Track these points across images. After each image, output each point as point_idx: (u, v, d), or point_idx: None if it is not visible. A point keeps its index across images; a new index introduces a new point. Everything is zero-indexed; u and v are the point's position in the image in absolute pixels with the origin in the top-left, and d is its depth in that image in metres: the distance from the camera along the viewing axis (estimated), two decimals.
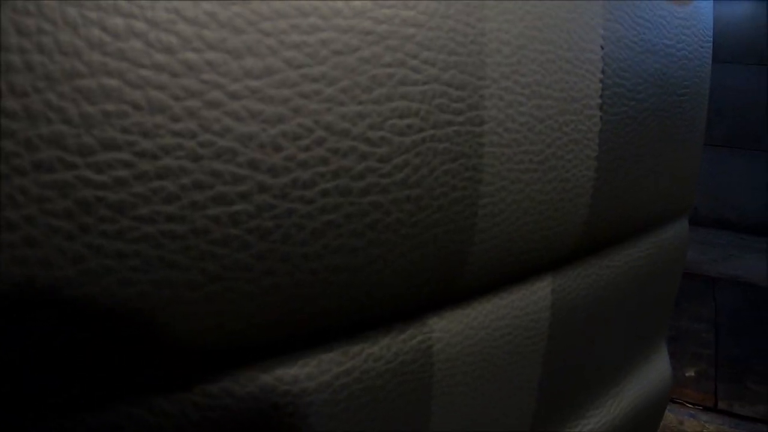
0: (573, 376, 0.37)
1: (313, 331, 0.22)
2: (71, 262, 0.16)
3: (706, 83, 0.39)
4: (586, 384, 0.39)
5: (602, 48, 0.29)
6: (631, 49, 0.31)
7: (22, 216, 0.15)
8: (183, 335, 0.19)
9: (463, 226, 0.25)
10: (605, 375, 0.41)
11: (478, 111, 0.24)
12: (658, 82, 0.34)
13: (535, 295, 0.31)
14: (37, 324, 0.16)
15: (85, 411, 0.18)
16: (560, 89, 0.27)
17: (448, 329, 0.27)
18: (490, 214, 0.26)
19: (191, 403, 0.20)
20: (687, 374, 1.33)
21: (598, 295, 0.36)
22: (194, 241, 0.18)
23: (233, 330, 0.20)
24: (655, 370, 0.47)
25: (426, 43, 0.22)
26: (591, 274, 0.35)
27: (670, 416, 1.20)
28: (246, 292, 0.19)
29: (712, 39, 0.40)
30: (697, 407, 1.25)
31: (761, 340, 1.38)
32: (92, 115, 0.15)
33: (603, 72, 0.29)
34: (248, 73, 0.18)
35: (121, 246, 0.16)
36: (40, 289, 0.16)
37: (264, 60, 0.18)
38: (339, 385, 0.23)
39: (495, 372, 0.29)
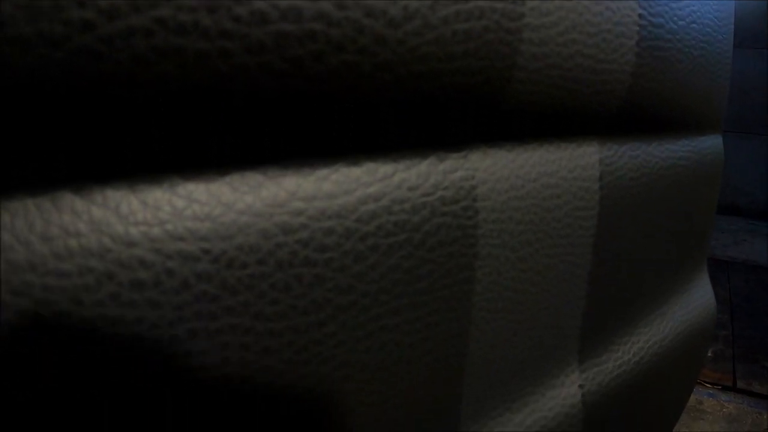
0: (622, 277, 0.32)
1: (329, 129, 0.18)
2: None
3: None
4: (634, 292, 0.34)
5: None
6: None
7: None
8: None
9: (509, 30, 0.20)
10: (651, 289, 0.36)
11: None
12: None
13: (583, 160, 0.27)
14: None
15: None
16: None
17: (493, 171, 0.22)
18: (536, 29, 0.21)
19: None
20: None
21: (643, 182, 0.32)
22: None
23: None
24: (699, 298, 0.43)
25: None
26: (636, 156, 0.31)
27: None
28: None
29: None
30: (716, 387, 1.21)
31: None
32: None
33: None
34: None
35: None
36: None
37: None
38: (365, 213, 0.18)
39: (544, 243, 0.25)
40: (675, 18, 0.29)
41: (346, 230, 0.18)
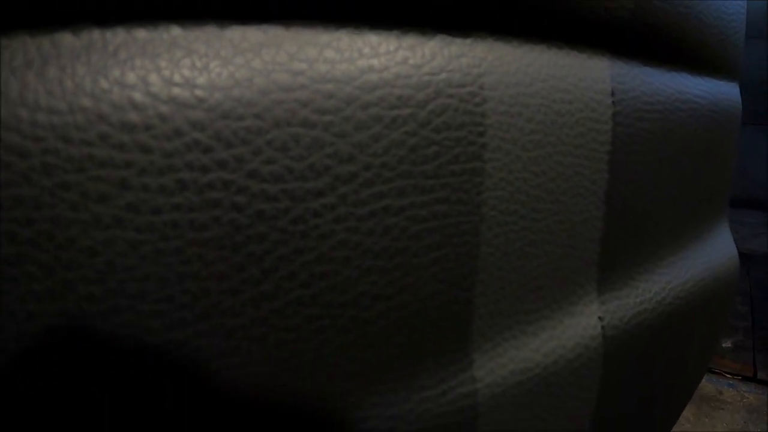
0: (641, 207, 0.31)
1: None
2: None
3: None
4: (653, 227, 0.33)
5: None
6: None
7: None
8: None
9: None
10: (671, 229, 0.35)
11: None
12: None
13: (594, 73, 0.26)
14: None
15: None
16: None
17: (500, 64, 0.21)
18: None
19: None
20: (725, 345, 1.26)
21: (658, 110, 0.30)
22: None
23: None
24: (721, 248, 0.41)
25: None
26: (650, 81, 0.30)
27: (709, 386, 1.13)
28: None
29: None
30: (736, 377, 1.18)
31: None
32: None
33: None
34: None
35: None
36: None
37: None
38: (367, 82, 0.18)
39: (557, 149, 0.24)
40: None
41: (347, 96, 0.17)
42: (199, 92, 0.15)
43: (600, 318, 0.30)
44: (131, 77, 0.14)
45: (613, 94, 0.27)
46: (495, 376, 0.24)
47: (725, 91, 0.40)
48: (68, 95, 0.13)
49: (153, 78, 0.14)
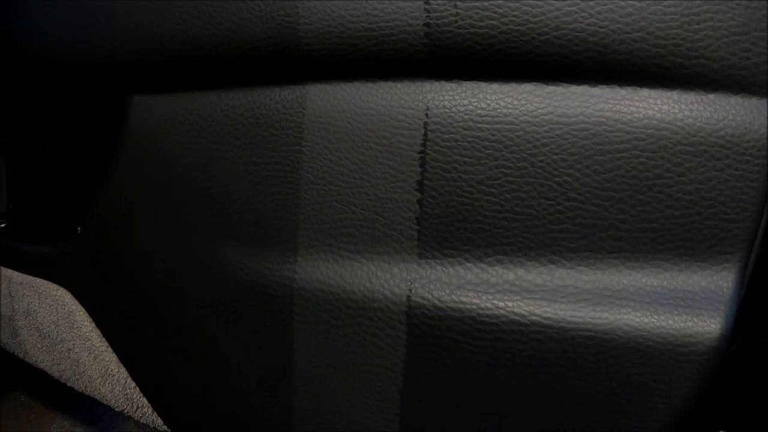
0: (461, 198, 0.39)
1: None
2: None
3: None
4: (486, 220, 0.40)
5: None
6: None
7: None
8: None
9: None
10: (528, 230, 0.45)
11: None
12: None
13: (410, 95, 0.37)
14: None
15: None
16: None
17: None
18: None
19: None
20: None
21: (477, 126, 0.38)
22: None
23: None
24: (670, 301, 0.47)
25: None
26: (480, 98, 0.38)
27: None
28: None
29: None
30: None
31: None
32: None
33: None
34: None
35: None
36: None
37: None
38: None
39: (373, 151, 0.38)
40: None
41: None
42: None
43: (409, 282, 0.38)
44: None
45: (427, 108, 0.36)
46: (311, 278, 0.39)
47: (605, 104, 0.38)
48: None
49: None
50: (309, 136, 0.37)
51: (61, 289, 0.59)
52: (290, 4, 0.36)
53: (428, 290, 0.37)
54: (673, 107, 0.33)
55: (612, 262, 0.35)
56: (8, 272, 0.67)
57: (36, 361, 0.68)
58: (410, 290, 0.38)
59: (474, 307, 0.36)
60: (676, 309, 0.33)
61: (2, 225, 0.83)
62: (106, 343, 0.56)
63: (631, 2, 0.32)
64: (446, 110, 0.36)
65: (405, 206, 0.37)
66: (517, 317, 0.35)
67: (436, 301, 0.37)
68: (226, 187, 0.43)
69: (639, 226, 0.34)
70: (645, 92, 0.33)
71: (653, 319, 0.33)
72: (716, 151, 0.32)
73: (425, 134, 0.36)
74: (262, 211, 0.41)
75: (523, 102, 0.35)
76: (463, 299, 0.37)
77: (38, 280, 0.62)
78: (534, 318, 0.35)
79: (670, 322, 0.33)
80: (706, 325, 0.33)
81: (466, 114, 0.36)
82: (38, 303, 0.63)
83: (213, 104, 0.42)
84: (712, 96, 0.32)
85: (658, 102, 0.33)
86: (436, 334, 0.37)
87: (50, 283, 0.61)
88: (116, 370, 0.56)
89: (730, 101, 0.32)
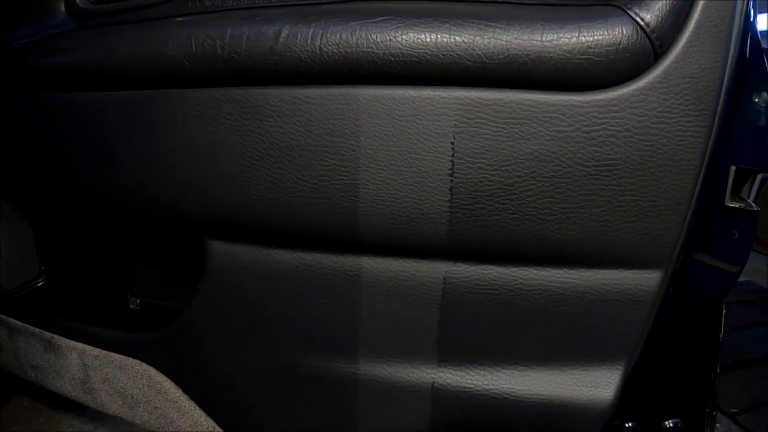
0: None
1: None
2: None
3: None
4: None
5: None
6: None
7: None
8: None
9: None
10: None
11: None
12: None
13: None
14: None
15: None
16: None
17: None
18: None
19: None
20: None
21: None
22: None
23: None
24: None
25: None
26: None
27: None
28: None
29: None
30: None
31: None
32: None
33: None
34: None
35: None
36: None
37: None
38: None
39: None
40: None
41: None
42: None
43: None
44: None
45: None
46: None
47: None
48: None
49: None
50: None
51: (144, 364, 0.75)
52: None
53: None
54: None
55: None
56: (80, 345, 0.80)
57: (114, 412, 0.83)
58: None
59: None
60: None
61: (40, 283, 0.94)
62: (194, 404, 0.74)
63: None
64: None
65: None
66: None
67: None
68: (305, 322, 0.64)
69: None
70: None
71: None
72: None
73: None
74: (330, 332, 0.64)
75: None
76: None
77: (116, 355, 0.77)
78: None
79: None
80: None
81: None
82: (119, 373, 0.78)
83: (288, 261, 0.62)
84: None
85: None
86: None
87: (130, 359, 0.76)
88: (205, 421, 0.74)
89: None
